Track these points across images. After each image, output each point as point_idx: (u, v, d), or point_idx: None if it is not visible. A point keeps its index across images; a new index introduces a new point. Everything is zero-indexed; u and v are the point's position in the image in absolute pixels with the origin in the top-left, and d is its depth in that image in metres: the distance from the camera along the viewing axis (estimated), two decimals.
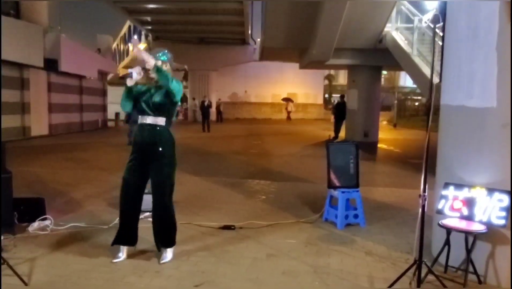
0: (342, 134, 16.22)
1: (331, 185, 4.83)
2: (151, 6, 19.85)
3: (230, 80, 32.16)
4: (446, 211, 3.41)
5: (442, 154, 3.80)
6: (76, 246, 3.96)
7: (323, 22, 12.16)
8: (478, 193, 3.29)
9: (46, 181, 7.09)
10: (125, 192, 3.57)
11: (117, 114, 23.57)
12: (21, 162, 8.67)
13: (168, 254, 3.63)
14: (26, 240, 4.08)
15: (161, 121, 3.51)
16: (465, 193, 3.35)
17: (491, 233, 3.25)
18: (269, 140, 16.14)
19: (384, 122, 29.48)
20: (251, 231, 4.54)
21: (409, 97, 41.22)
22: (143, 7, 20.13)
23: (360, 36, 13.65)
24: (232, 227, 4.61)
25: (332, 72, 41.84)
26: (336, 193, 4.81)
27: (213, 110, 27.83)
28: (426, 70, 11.17)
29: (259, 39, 25.38)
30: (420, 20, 12.48)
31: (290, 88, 34.08)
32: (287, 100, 32.53)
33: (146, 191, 3.70)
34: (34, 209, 4.54)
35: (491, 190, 3.25)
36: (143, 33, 29.39)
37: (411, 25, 12.79)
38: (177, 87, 3.47)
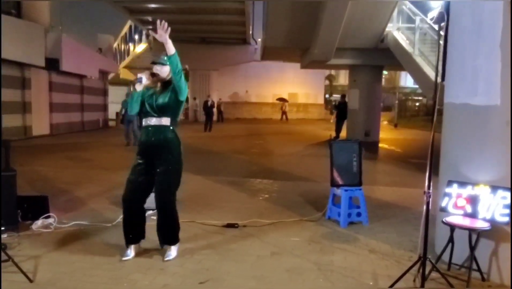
0: (343, 133, 16.23)
1: (334, 184, 4.84)
2: (152, 5, 19.87)
3: (231, 80, 32.18)
4: (450, 208, 3.42)
5: (446, 152, 3.81)
6: (80, 244, 3.97)
7: (325, 22, 12.17)
8: (482, 191, 3.30)
9: (49, 180, 7.10)
10: (128, 192, 3.56)
11: (117, 114, 23.59)
12: (23, 161, 8.67)
13: (172, 251, 3.64)
14: (30, 238, 4.09)
15: (165, 121, 3.53)
16: (468, 190, 3.36)
17: (494, 231, 3.26)
18: (270, 140, 16.15)
19: (385, 122, 29.50)
20: (255, 229, 4.55)
21: (409, 97, 41.24)
22: (144, 6, 20.14)
23: (361, 36, 13.66)
24: (236, 225, 4.62)
25: (333, 72, 41.80)
26: (339, 191, 4.81)
27: (214, 110, 27.90)
28: (428, 70, 11.19)
29: (260, 39, 25.40)
30: (422, 20, 12.51)
31: (291, 88, 34.11)
32: (282, 100, 32.41)
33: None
34: (37, 207, 4.55)
35: (494, 188, 3.25)
36: (144, 33, 29.42)
37: (412, 25, 12.81)
38: (184, 82, 3.50)
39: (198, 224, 4.66)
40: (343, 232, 4.55)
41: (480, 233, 3.25)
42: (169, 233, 3.63)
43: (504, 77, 3.26)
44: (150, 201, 3.82)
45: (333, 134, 16.43)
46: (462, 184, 3.41)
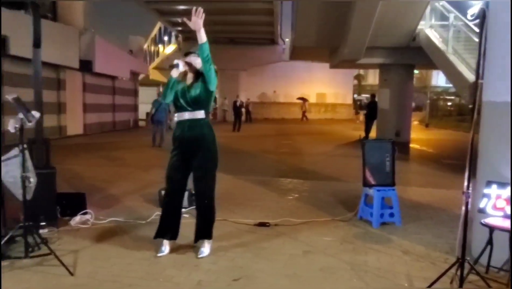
0: (372, 134, 15.99)
1: (366, 183, 4.79)
2: (182, 7, 20.16)
3: (259, 80, 32.25)
4: (489, 210, 3.32)
5: (484, 152, 3.71)
6: (117, 240, 4.08)
7: (355, 21, 12.02)
8: None
9: (84, 178, 7.33)
10: (170, 188, 3.65)
11: (148, 114, 24.10)
12: (60, 160, 8.96)
13: (206, 249, 3.69)
14: (69, 233, 4.25)
15: (199, 114, 3.59)
16: (508, 191, 3.26)
17: None
18: (298, 140, 16.10)
19: (416, 122, 28.84)
20: (286, 228, 4.56)
21: (441, 96, 40.16)
22: (174, 8, 20.47)
23: (392, 34, 13.41)
24: (267, 224, 4.64)
25: (362, 71, 41.25)
26: (371, 191, 4.76)
27: (242, 109, 28.06)
28: (462, 68, 10.87)
29: (288, 39, 25.36)
30: (456, 17, 12.17)
31: (319, 88, 33.89)
32: (303, 99, 31.93)
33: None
34: (75, 203, 4.71)
35: None
36: (173, 34, 29.89)
37: (446, 23, 12.48)
38: (214, 72, 3.54)
39: (231, 223, 4.71)
40: (375, 232, 4.50)
41: None
42: (205, 227, 3.70)
43: None
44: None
45: (363, 134, 16.23)
46: (502, 184, 3.31)
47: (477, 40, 3.81)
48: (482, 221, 3.28)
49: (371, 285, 3.22)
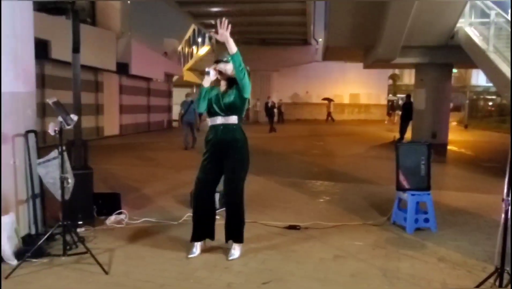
0: (408, 135, 15.61)
1: (400, 187, 4.68)
2: (215, 9, 20.39)
3: (291, 81, 32.14)
4: None
5: None
6: (150, 240, 4.18)
7: (390, 19, 11.77)
8: None
9: (119, 178, 7.55)
10: (199, 190, 3.69)
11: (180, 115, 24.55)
12: (97, 160, 9.24)
13: (236, 251, 3.72)
14: (104, 232, 4.39)
15: (232, 120, 3.61)
16: None
17: None
18: (331, 141, 15.94)
19: (454, 123, 27.93)
20: (317, 232, 4.52)
21: (481, 96, 38.66)
22: (207, 10, 20.72)
23: (429, 33, 13.04)
24: (298, 227, 4.62)
25: (397, 71, 40.35)
26: (405, 195, 4.65)
27: (274, 110, 28.05)
28: (504, 67, 10.43)
29: (321, 39, 25.13)
30: (497, 14, 11.69)
31: (352, 88, 33.43)
32: (328, 100, 31.23)
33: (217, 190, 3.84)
34: (111, 203, 4.86)
35: None
36: (207, 35, 30.27)
37: (487, 20, 12.01)
38: (248, 80, 3.55)
39: (261, 225, 4.72)
40: (409, 238, 4.39)
41: None
42: (236, 230, 3.72)
43: None
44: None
45: (397, 135, 15.87)
46: None
47: None
48: None
49: None
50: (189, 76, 35.80)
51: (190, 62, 39.10)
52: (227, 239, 3.79)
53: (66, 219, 3.52)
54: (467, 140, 16.73)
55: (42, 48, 11.89)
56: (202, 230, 3.74)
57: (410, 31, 12.35)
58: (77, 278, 3.28)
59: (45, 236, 3.55)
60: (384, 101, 34.72)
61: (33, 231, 3.93)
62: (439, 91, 14.87)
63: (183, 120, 12.72)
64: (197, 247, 3.76)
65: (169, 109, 24.15)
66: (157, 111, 22.22)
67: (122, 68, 17.20)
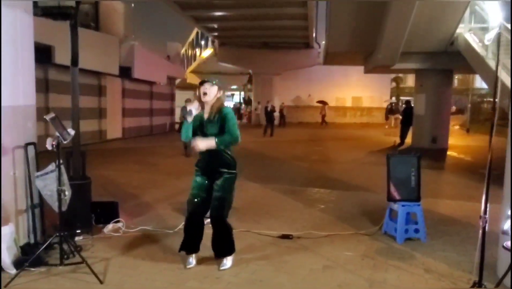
0: (408, 140, 15.67)
1: (390, 198, 4.78)
2: (218, 13, 20.53)
3: (293, 84, 32.24)
4: None
5: None
6: (145, 249, 4.30)
7: (390, 25, 11.86)
8: None
9: (119, 184, 7.68)
10: (194, 208, 3.76)
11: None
12: (98, 165, 9.42)
13: (228, 261, 3.82)
14: (101, 240, 4.51)
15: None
16: None
17: None
18: (331, 146, 16.01)
19: (456, 127, 27.90)
20: (309, 241, 4.62)
21: (485, 99, 38.56)
22: (210, 15, 20.86)
23: (429, 39, 13.12)
24: (290, 237, 4.72)
25: (400, 74, 40.34)
26: (396, 206, 4.74)
27: (276, 114, 28.12)
28: (502, 75, 10.49)
29: (323, 42, 25.22)
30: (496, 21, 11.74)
31: (355, 92, 33.48)
32: (322, 103, 31.10)
33: None
34: (109, 212, 4.99)
35: None
36: (209, 39, 30.43)
37: (486, 25, 12.06)
38: (234, 140, 3.64)
39: (254, 234, 4.82)
40: (399, 248, 4.48)
41: None
42: (224, 246, 3.82)
43: None
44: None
45: (398, 140, 15.94)
46: None
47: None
48: (504, 244, 3.23)
49: None
50: (192, 79, 35.95)
51: (194, 65, 39.28)
52: (218, 256, 3.85)
53: (63, 229, 3.64)
54: (468, 145, 16.75)
55: (46, 53, 12.05)
56: (191, 243, 3.83)
57: (409, 37, 12.43)
58: (73, 287, 3.40)
59: (43, 246, 3.67)
60: (386, 104, 34.76)
61: (32, 240, 4.05)
62: (439, 96, 14.93)
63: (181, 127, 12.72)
64: (193, 257, 3.86)
65: (171, 112, 24.31)
66: (159, 114, 22.38)
67: (125, 72, 17.36)
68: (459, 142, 17.55)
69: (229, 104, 52.48)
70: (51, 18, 14.18)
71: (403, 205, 4.68)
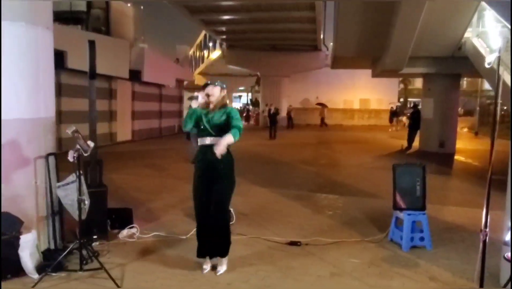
0: (416, 143, 15.75)
1: (396, 207, 4.91)
2: (226, 17, 20.75)
3: (301, 86, 32.42)
4: None
5: None
6: (159, 255, 4.48)
7: (397, 30, 11.96)
8: None
9: (130, 189, 7.88)
10: (200, 212, 3.94)
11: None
12: (110, 169, 9.62)
13: (223, 265, 3.98)
14: (117, 246, 4.70)
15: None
16: None
17: None
18: (339, 149, 16.12)
19: (465, 130, 27.84)
20: (316, 248, 4.77)
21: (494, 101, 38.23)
22: (219, 18, 21.10)
23: (437, 44, 13.20)
24: (298, 243, 4.88)
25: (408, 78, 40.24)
26: (401, 214, 4.87)
27: (284, 116, 28.28)
28: (509, 80, 10.53)
29: (332, 44, 25.31)
30: (504, 26, 11.78)
31: (362, 94, 33.57)
32: (322, 105, 31.45)
33: None
34: (123, 218, 5.18)
35: None
36: (217, 41, 30.67)
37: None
38: (240, 131, 3.78)
39: (263, 240, 4.99)
40: (404, 256, 4.61)
41: None
42: (223, 246, 3.96)
43: None
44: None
45: (405, 144, 16.02)
46: None
47: None
48: (505, 255, 3.35)
49: None
50: (200, 80, 36.21)
51: (202, 66, 39.58)
52: (213, 256, 4.01)
53: (82, 236, 3.84)
54: (476, 149, 16.76)
55: (58, 58, 12.22)
56: (206, 247, 3.99)
57: (417, 42, 12.53)
58: None
59: (64, 253, 3.86)
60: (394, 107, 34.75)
61: (52, 246, 4.26)
62: (447, 100, 14.99)
63: (189, 135, 10.26)
64: (208, 262, 4.02)
65: (179, 114, 24.57)
66: (168, 116, 22.65)
67: (135, 75, 17.62)
68: (467, 146, 17.57)
69: (236, 105, 53.00)
70: (63, 23, 14.50)
71: (408, 214, 4.81)
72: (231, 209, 5.73)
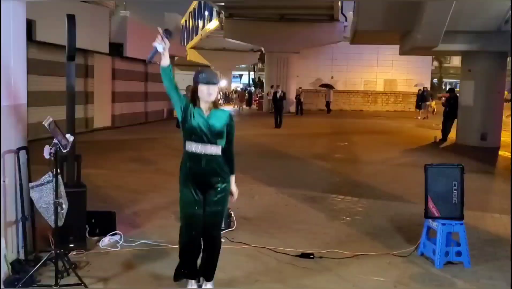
0: (452, 135, 15.77)
1: (428, 215, 4.95)
2: None
3: (313, 64, 32.37)
4: None
5: None
6: (147, 267, 4.54)
7: (432, 0, 11.89)
8: None
9: (113, 188, 7.95)
10: (191, 229, 3.85)
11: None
12: (88, 162, 9.61)
13: (209, 284, 3.99)
14: (98, 256, 4.76)
15: (218, 150, 3.74)
16: None
17: None
18: (359, 141, 16.16)
19: None
20: (333, 262, 4.83)
21: None
22: None
23: (479, 16, 13.11)
24: (311, 256, 4.93)
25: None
26: (434, 224, 4.91)
27: (292, 99, 28.27)
28: None
29: (351, 12, 25.18)
30: None
31: (388, 73, 33.52)
32: (327, 86, 31.22)
33: None
34: (104, 223, 5.23)
35: None
36: (214, 10, 30.51)
37: None
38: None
39: (269, 251, 5.04)
40: (437, 274, 4.66)
41: None
42: (212, 266, 3.96)
43: None
44: None
45: (439, 135, 16.04)
46: None
47: None
48: None
49: None
50: (193, 56, 36.18)
51: (195, 39, 39.42)
52: (199, 276, 3.99)
53: (58, 246, 3.89)
54: None
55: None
56: (189, 269, 3.96)
57: (456, 14, 12.42)
58: None
59: (38, 265, 3.92)
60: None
61: (22, 256, 4.32)
62: (491, 83, 14.94)
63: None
64: (192, 282, 4.04)
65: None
66: (155, 99, 22.68)
67: (116, 49, 17.65)
68: None
69: (236, 86, 52.94)
70: None
71: (443, 224, 4.84)
72: (232, 213, 5.85)
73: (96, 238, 5.15)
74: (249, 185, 8.06)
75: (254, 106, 37.02)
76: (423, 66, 33.61)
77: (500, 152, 14.10)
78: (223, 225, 4.99)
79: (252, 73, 55.46)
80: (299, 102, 27.95)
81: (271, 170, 10.14)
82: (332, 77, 33.20)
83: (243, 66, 53.34)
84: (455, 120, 15.77)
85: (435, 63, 44.82)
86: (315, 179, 9.40)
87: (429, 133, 17.62)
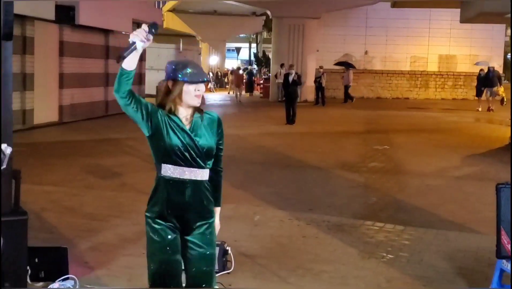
0: None
1: (502, 254, 4.96)
2: None
3: (339, 34, 32.30)
4: None
5: None
6: None
7: None
8: None
9: (64, 210, 7.99)
10: (161, 281, 3.89)
11: (158, 90, 24.92)
12: (28, 173, 9.65)
13: None
14: None
15: (205, 174, 3.67)
16: None
17: None
18: (403, 143, 16.11)
19: None
20: None
21: None
22: None
23: None
24: None
25: None
26: (510, 266, 4.92)
27: (310, 85, 28.21)
28: None
29: None
30: None
31: (443, 47, 33.35)
32: (346, 65, 30.62)
33: None
34: (52, 262, 5.25)
35: None
36: None
37: None
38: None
39: None
40: None
41: None
42: None
43: None
44: None
45: None
46: None
47: None
48: None
49: None
50: (172, 22, 36.19)
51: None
52: None
53: None
54: None
55: None
56: None
57: None
58: None
59: None
60: (498, 68, 34.31)
61: None
62: None
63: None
64: None
65: (140, 79, 24.53)
66: None
67: (65, 15, 17.63)
68: None
69: (232, 64, 52.78)
70: None
71: None
72: (229, 249, 5.85)
73: (40, 284, 5.18)
74: (251, 207, 8.09)
75: (256, 93, 37.03)
76: (492, 37, 33.47)
77: None
78: (216, 267, 5.03)
79: (254, 46, 55.48)
80: (320, 88, 27.90)
81: (282, 186, 10.11)
82: (366, 52, 33.15)
83: (242, 36, 53.32)
84: None
85: (509, 32, 44.80)
86: (342, 198, 9.38)
87: (500, 132, 17.57)
